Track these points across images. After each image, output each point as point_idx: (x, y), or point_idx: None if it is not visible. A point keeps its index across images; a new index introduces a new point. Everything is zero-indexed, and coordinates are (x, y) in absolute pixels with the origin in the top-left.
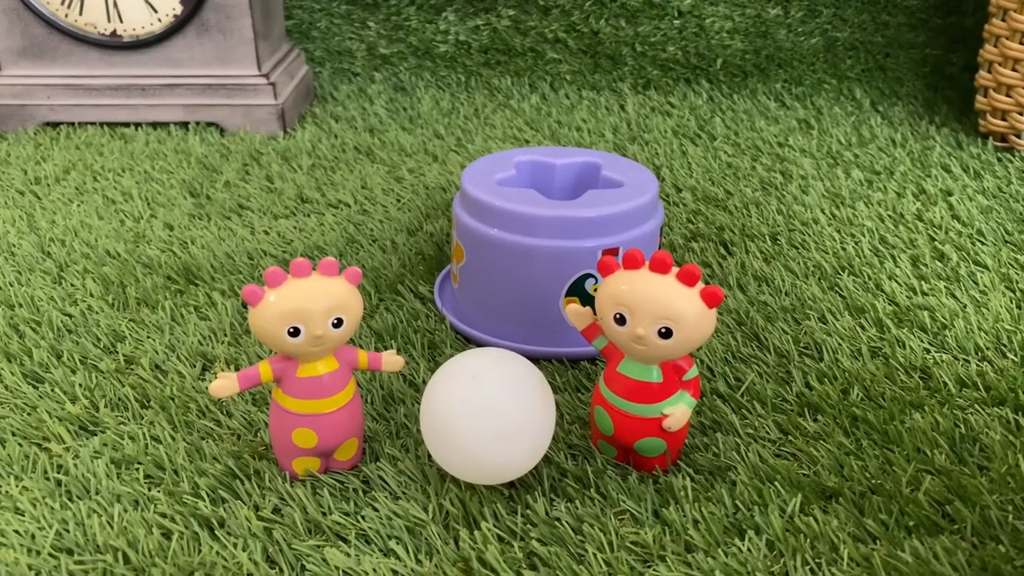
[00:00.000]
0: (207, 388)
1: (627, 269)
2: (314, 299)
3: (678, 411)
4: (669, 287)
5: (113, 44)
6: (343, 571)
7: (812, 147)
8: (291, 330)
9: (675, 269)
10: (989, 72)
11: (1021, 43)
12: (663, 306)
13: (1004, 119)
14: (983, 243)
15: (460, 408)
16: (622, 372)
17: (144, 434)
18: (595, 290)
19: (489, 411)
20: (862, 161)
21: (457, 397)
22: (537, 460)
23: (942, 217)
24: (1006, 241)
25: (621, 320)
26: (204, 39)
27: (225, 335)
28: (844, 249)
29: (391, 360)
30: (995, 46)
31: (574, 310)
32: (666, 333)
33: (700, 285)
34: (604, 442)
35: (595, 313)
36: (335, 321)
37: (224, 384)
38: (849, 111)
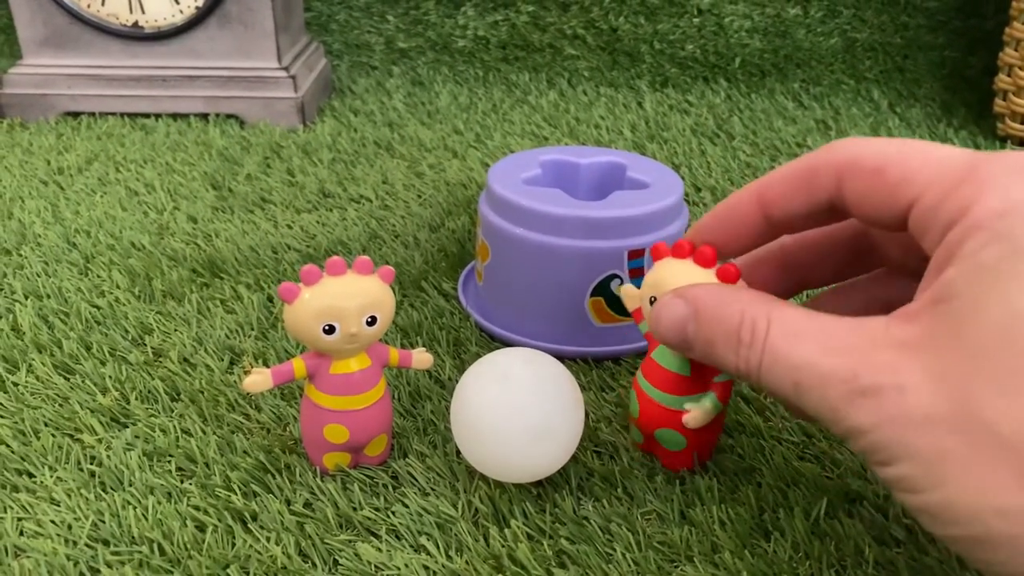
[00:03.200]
0: (235, 382)
1: (674, 257)
2: (349, 297)
3: (698, 409)
4: (685, 268)
5: (135, 35)
6: (375, 566)
7: None
8: (326, 327)
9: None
10: (1009, 76)
11: None
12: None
13: (1023, 123)
14: None
15: (492, 408)
16: (655, 359)
17: (175, 427)
18: (620, 291)
19: (522, 411)
20: None
21: (489, 397)
22: (567, 459)
23: None
24: None
25: (652, 302)
26: (225, 31)
27: (252, 329)
28: None
29: (421, 358)
30: (1015, 50)
31: (628, 291)
32: None
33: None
34: (633, 425)
35: None
36: (369, 319)
37: (258, 380)
38: (867, 112)
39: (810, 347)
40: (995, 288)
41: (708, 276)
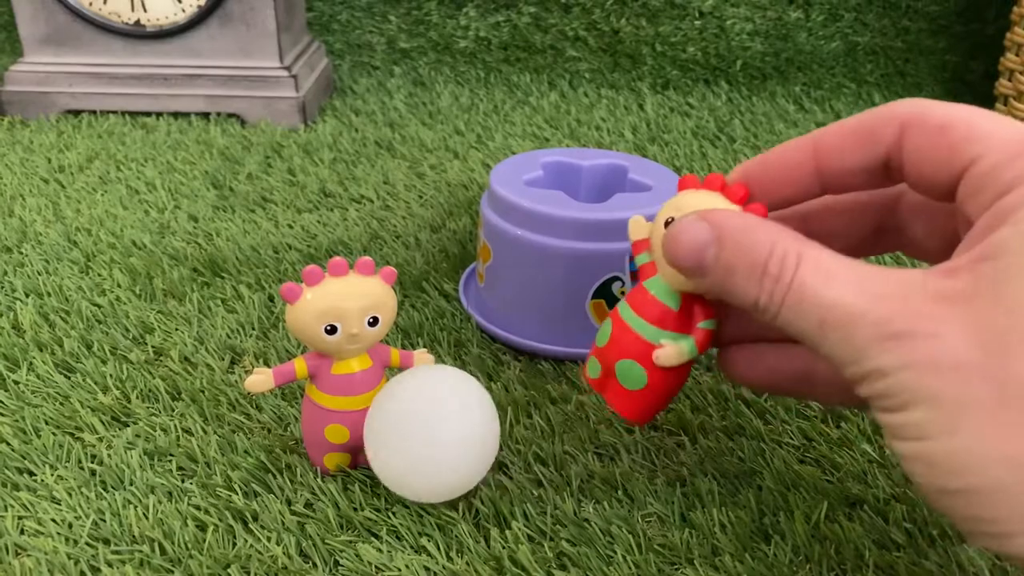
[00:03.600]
0: (237, 382)
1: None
2: (351, 298)
3: (673, 347)
4: (712, 199)
5: (136, 33)
6: (376, 566)
7: None
8: (328, 328)
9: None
10: (1010, 80)
11: None
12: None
13: None
14: None
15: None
16: (646, 286)
17: (176, 426)
18: (622, 293)
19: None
20: None
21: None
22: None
23: None
24: None
25: (668, 224)
26: (227, 30)
27: (253, 329)
28: None
29: (423, 359)
30: (1017, 55)
31: (636, 220)
32: None
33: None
34: (594, 356)
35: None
36: (371, 320)
37: (260, 380)
38: None
39: (842, 287)
40: None
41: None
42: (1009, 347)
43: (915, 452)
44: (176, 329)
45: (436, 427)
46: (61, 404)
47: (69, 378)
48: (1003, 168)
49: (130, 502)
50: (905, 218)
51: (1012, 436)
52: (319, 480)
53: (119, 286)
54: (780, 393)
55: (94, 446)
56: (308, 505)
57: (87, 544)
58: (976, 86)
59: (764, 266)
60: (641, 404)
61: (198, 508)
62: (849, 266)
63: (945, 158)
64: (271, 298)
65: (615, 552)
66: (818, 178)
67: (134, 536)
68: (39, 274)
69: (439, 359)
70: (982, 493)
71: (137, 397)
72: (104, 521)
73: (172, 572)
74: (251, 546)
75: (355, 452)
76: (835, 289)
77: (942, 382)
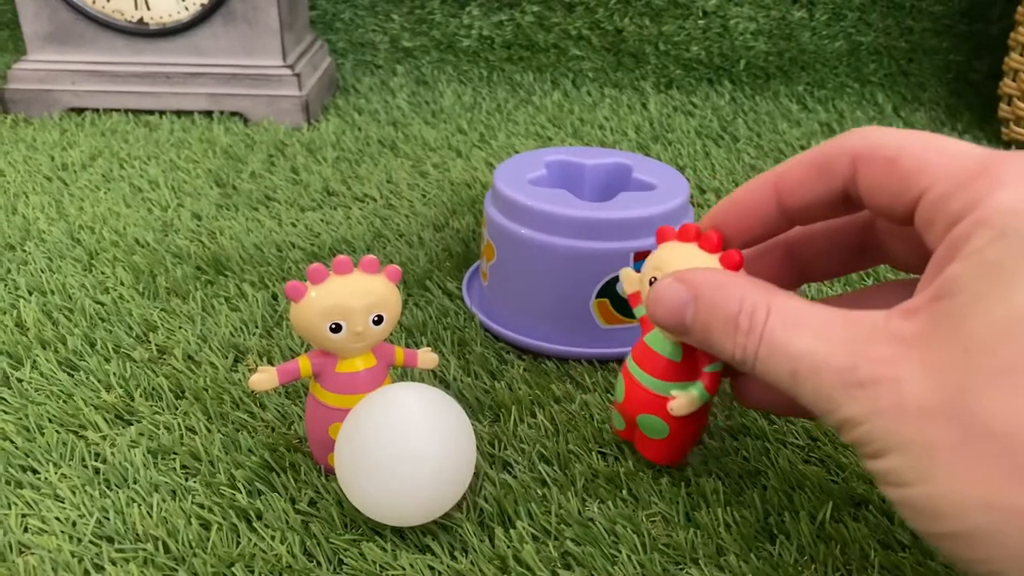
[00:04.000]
0: (241, 380)
1: (681, 240)
2: (356, 296)
3: (684, 396)
4: (690, 252)
5: (139, 31)
6: (380, 566)
7: None
8: (332, 326)
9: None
10: (1014, 80)
11: None
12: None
13: None
14: None
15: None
16: (647, 341)
17: (179, 424)
18: (620, 273)
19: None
20: None
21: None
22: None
23: None
24: None
25: (652, 284)
26: (230, 28)
27: (257, 327)
28: None
29: (427, 358)
30: (1021, 54)
31: (627, 274)
32: None
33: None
34: (616, 410)
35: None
36: (375, 318)
37: (264, 378)
38: (871, 116)
39: (809, 337)
40: (997, 285)
41: (712, 261)
42: (966, 388)
43: (900, 498)
44: (179, 327)
45: (406, 455)
46: (64, 402)
47: (72, 376)
48: (950, 198)
49: (134, 500)
50: (884, 238)
51: (982, 479)
52: (323, 479)
53: (122, 284)
54: (794, 415)
55: (98, 444)
56: (312, 504)
57: (91, 542)
58: (980, 86)
59: (735, 321)
60: (669, 449)
61: (202, 507)
62: (816, 313)
63: (897, 191)
64: (275, 296)
65: (620, 551)
66: (782, 214)
67: (138, 534)
68: (42, 272)
69: (443, 358)
70: (966, 537)
71: (140, 395)
72: (108, 519)
73: (176, 571)
74: (255, 545)
75: None
76: (802, 339)
77: (910, 428)
